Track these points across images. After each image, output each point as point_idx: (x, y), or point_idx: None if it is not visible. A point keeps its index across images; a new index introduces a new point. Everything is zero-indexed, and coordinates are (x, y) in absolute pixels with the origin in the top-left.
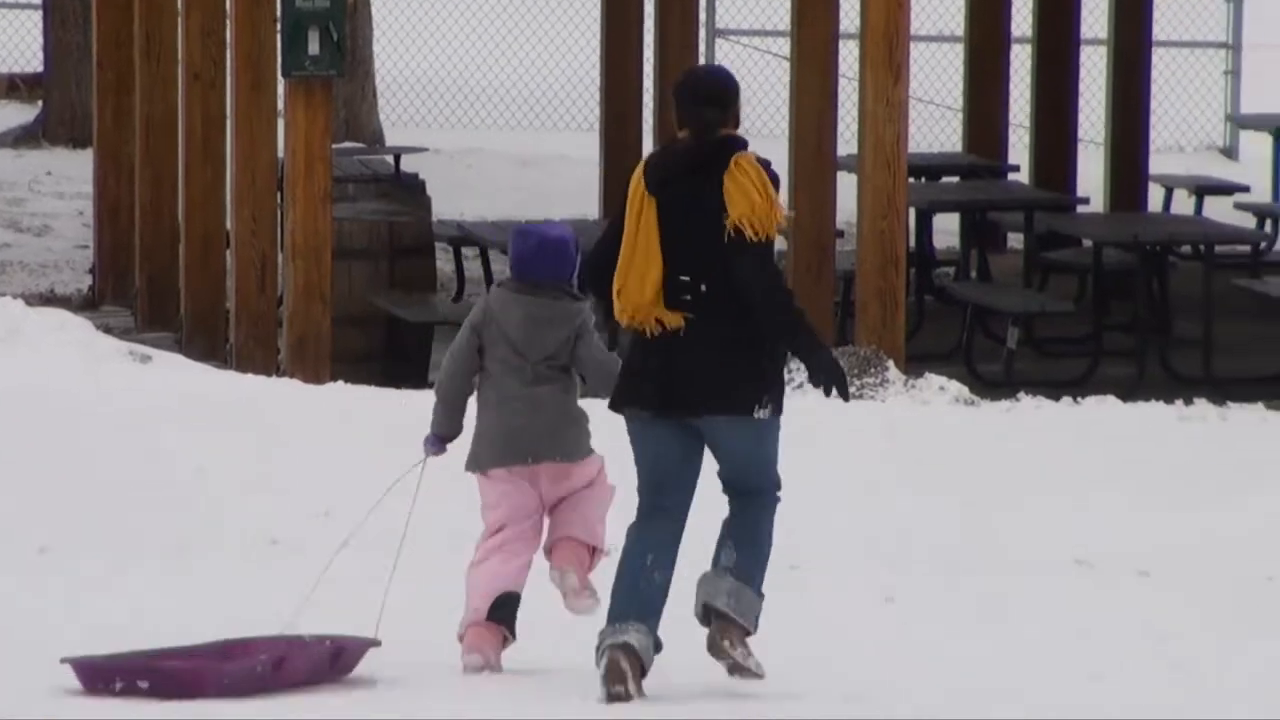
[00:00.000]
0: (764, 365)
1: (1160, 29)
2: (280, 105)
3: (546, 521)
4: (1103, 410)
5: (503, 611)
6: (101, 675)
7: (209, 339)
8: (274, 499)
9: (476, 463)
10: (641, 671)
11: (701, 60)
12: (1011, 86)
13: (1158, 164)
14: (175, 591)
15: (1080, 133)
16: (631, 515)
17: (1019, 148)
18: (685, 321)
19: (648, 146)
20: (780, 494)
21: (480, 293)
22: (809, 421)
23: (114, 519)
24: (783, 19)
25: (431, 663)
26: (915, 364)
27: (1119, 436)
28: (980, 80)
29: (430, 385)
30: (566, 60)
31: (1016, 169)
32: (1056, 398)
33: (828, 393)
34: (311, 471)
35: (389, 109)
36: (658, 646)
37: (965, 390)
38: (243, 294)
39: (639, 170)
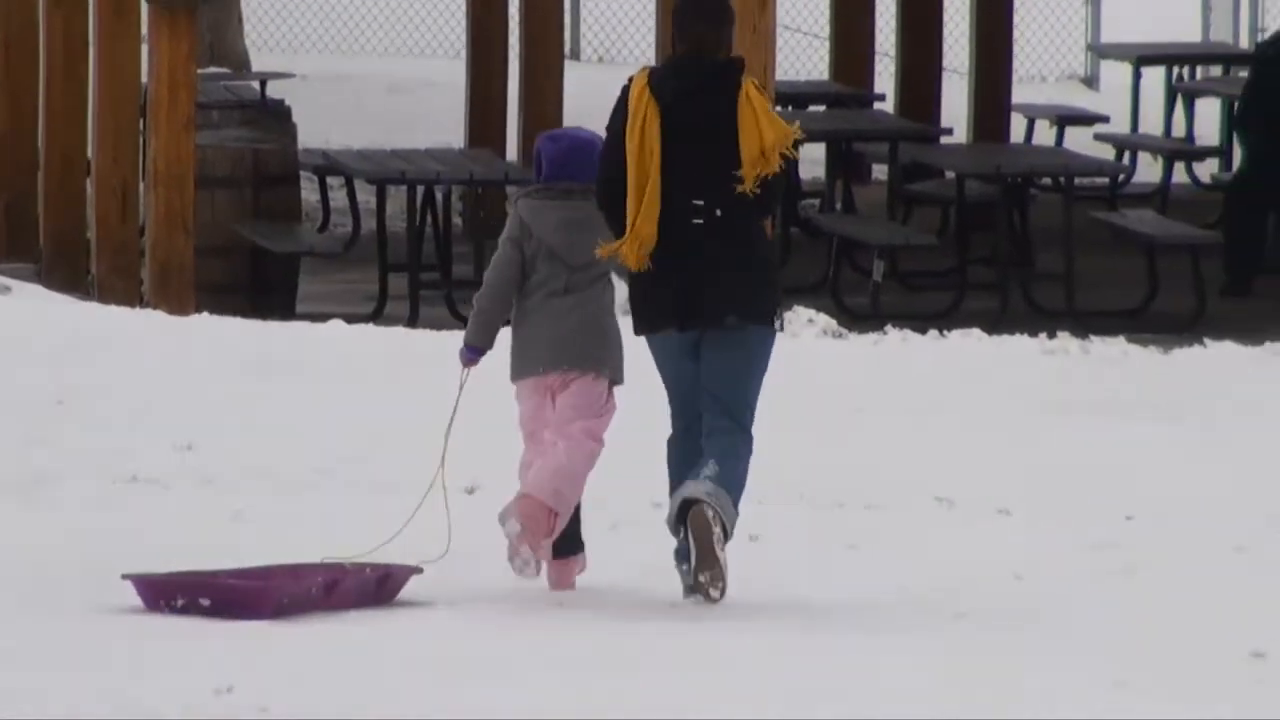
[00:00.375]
0: (775, 280)
1: None
2: (144, 31)
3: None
4: (967, 343)
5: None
6: (163, 592)
7: (70, 269)
8: (136, 433)
9: (512, 372)
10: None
11: None
12: (878, 15)
13: (1020, 94)
14: (33, 526)
15: (945, 62)
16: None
17: (885, 77)
18: (697, 240)
19: (514, 74)
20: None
21: (345, 223)
22: None
23: None
24: None
25: (481, 586)
26: (783, 296)
27: (983, 369)
28: (846, 8)
29: (296, 316)
30: None
31: (882, 98)
32: (923, 330)
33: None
34: (174, 405)
35: (255, 34)
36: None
37: (833, 323)
38: (104, 223)
39: (641, 83)
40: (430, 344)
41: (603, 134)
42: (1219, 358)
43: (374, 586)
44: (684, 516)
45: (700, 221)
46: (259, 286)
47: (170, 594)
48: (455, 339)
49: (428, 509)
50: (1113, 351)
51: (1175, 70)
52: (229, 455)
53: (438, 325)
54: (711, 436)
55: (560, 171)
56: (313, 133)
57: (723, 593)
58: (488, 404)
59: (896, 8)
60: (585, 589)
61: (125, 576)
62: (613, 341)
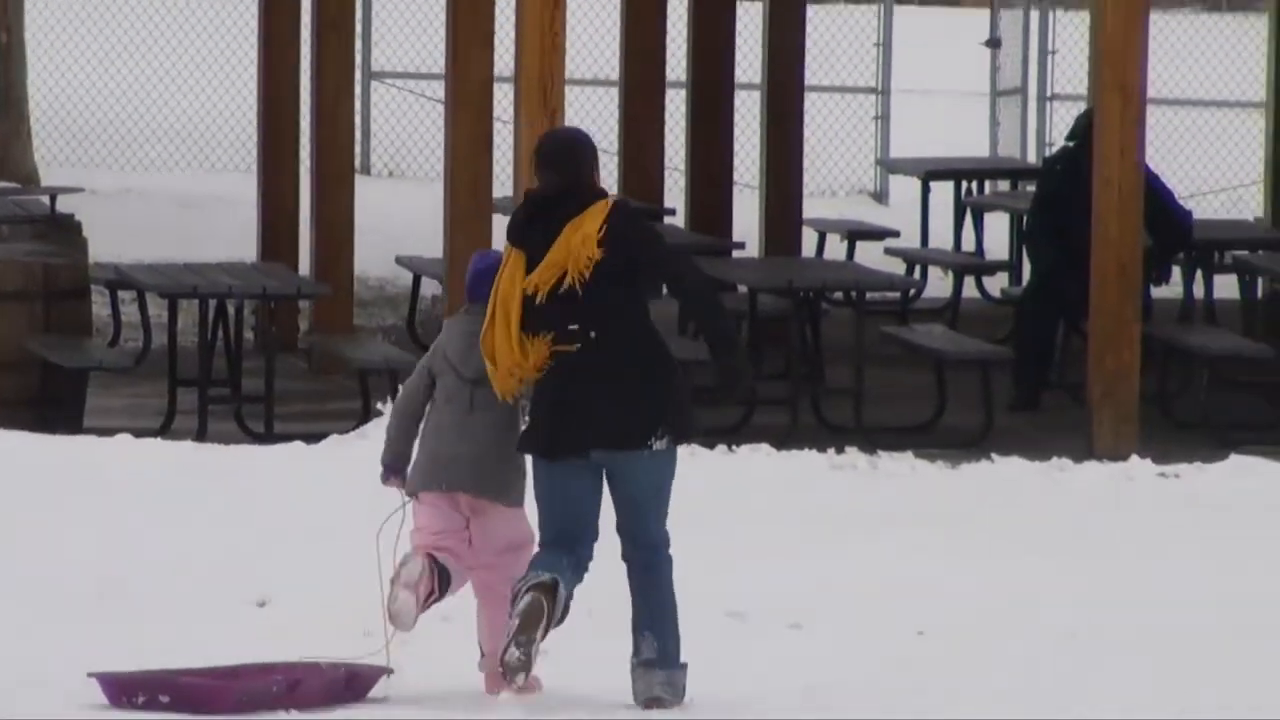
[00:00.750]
0: (660, 392)
1: (812, 74)
2: None
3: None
4: (756, 458)
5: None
6: (125, 689)
7: None
8: None
9: (409, 487)
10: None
11: (357, 102)
12: (667, 130)
13: (811, 208)
14: None
15: (735, 176)
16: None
17: (675, 191)
18: (572, 360)
19: (305, 189)
20: (671, 551)
21: (136, 337)
22: None
23: None
24: (438, 62)
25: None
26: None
27: (773, 484)
28: (635, 123)
29: (84, 431)
30: (224, 101)
31: (673, 212)
32: (711, 445)
33: (726, 389)
34: None
35: (44, 148)
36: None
37: None
38: None
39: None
40: (217, 459)
41: None
42: (1006, 473)
43: (342, 686)
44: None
45: (578, 345)
46: (47, 401)
47: (133, 691)
48: (244, 452)
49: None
50: (901, 467)
51: (964, 185)
52: (15, 570)
53: (226, 440)
54: (637, 592)
55: (475, 288)
56: (104, 247)
57: None
58: (280, 514)
59: (686, 121)
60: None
61: (91, 674)
62: (516, 462)
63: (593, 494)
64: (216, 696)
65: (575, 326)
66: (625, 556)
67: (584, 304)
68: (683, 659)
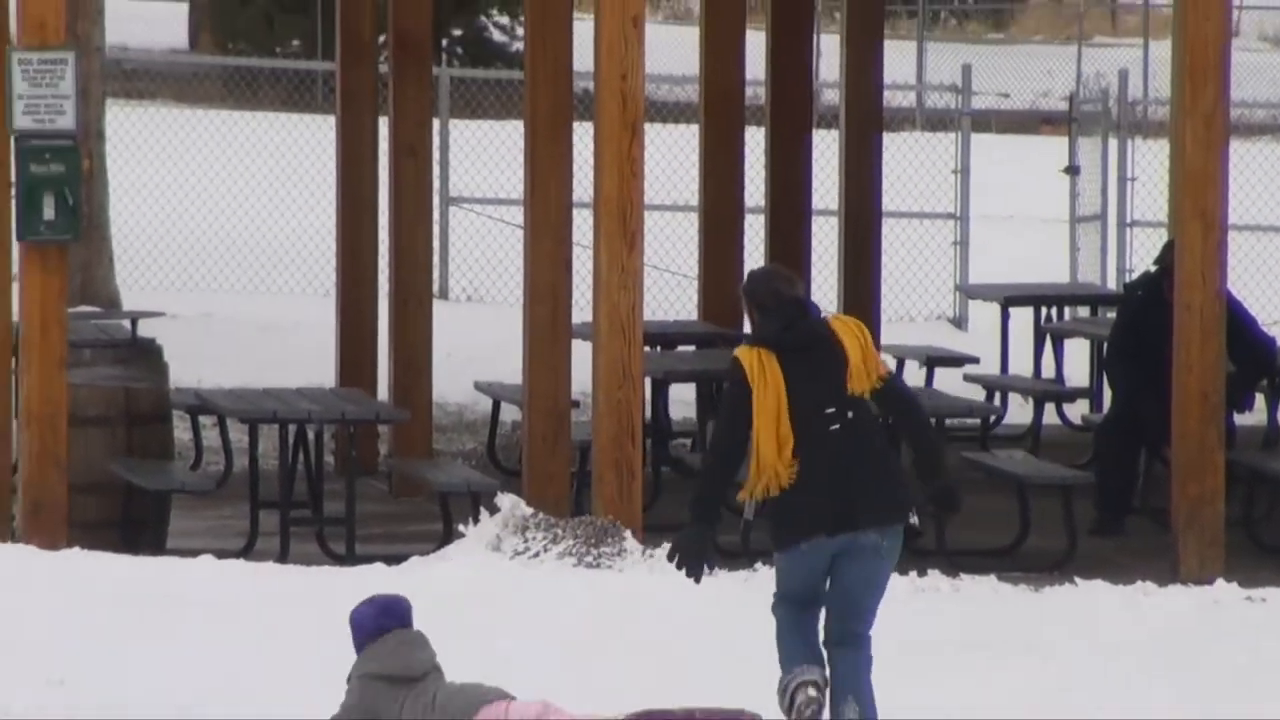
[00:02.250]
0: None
1: (889, 200)
2: (15, 269)
3: None
4: None
5: None
6: None
7: None
8: (8, 668)
9: None
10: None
11: (435, 227)
12: (746, 255)
13: (889, 334)
14: None
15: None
16: None
17: None
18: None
19: (383, 312)
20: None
21: (218, 460)
22: (554, 588)
23: None
24: (516, 187)
25: None
26: (653, 534)
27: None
28: (715, 248)
29: (167, 552)
30: (302, 226)
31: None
32: None
33: (946, 509)
34: (46, 640)
35: (125, 273)
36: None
37: None
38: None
39: (748, 356)
40: (300, 580)
41: None
42: (1090, 596)
43: None
44: None
45: (836, 427)
46: (131, 523)
47: None
48: (326, 574)
49: None
50: (983, 590)
51: (1043, 311)
52: (103, 691)
53: (308, 561)
54: (843, 678)
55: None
56: (183, 371)
57: None
58: None
59: (765, 247)
60: None
61: None
62: None
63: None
64: None
65: (833, 410)
66: (833, 642)
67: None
68: None
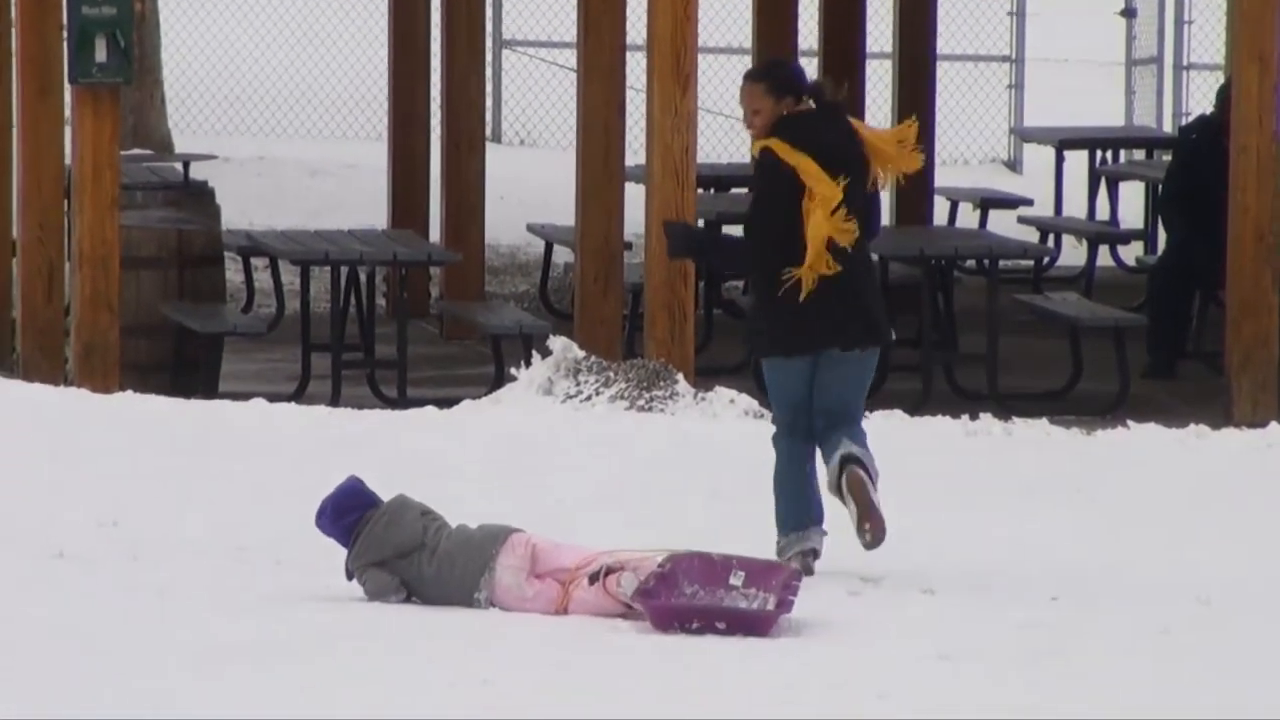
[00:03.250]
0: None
1: (944, 42)
2: (68, 112)
3: None
4: (890, 424)
5: None
6: (678, 616)
7: None
8: (61, 510)
9: None
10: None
11: (489, 71)
12: None
13: (943, 177)
14: None
15: None
16: None
17: None
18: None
19: (435, 156)
20: None
21: (269, 303)
22: (606, 432)
23: None
24: (570, 30)
25: None
26: (705, 377)
27: (907, 451)
28: None
29: (219, 395)
30: (354, 69)
31: None
32: None
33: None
34: (99, 482)
35: (177, 116)
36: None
37: (754, 403)
38: (29, 303)
39: (779, 146)
40: (352, 423)
41: None
42: (1142, 440)
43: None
44: (842, 473)
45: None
46: (183, 366)
47: (686, 618)
48: (377, 418)
49: None
50: (1035, 434)
51: (1098, 154)
52: (154, 531)
53: (360, 404)
54: (838, 428)
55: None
56: (236, 214)
57: (882, 537)
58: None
59: None
60: None
61: (635, 597)
62: None
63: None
64: (764, 623)
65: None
66: (830, 427)
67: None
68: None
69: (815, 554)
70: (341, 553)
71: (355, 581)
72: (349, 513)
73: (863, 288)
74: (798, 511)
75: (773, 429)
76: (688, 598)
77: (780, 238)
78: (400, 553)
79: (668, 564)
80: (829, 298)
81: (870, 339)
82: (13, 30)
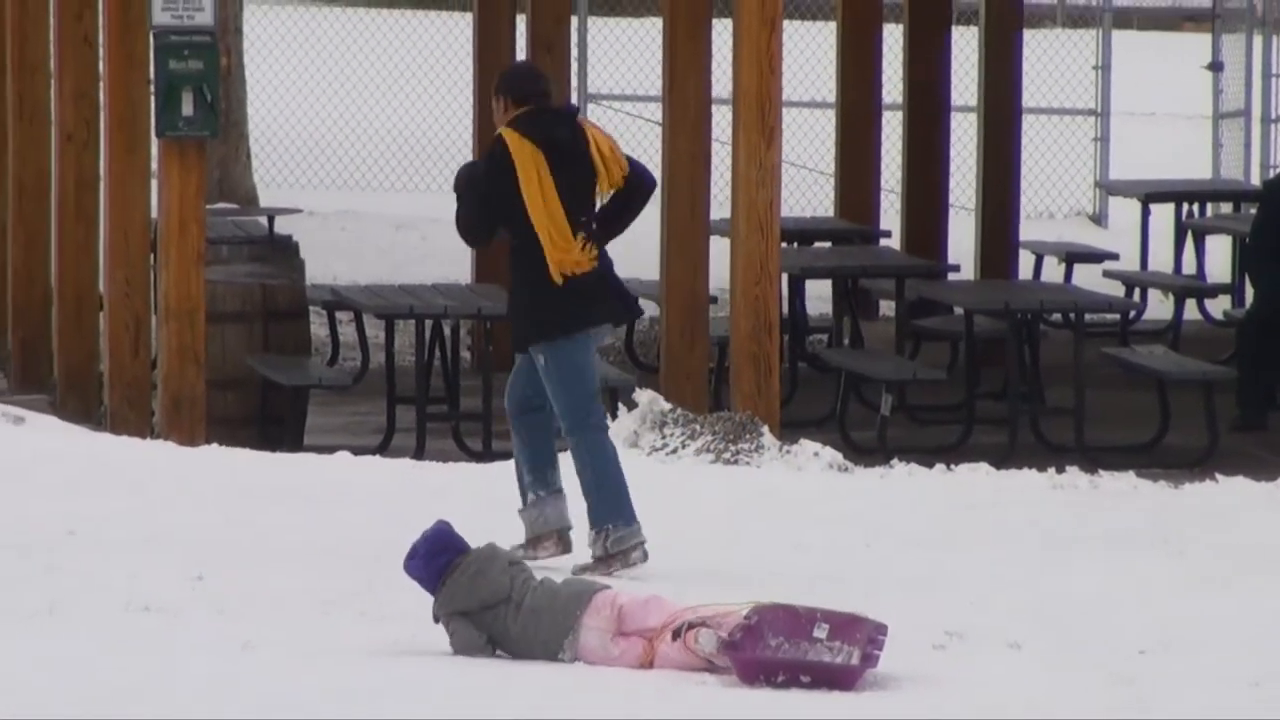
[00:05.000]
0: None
1: (1030, 96)
2: (154, 166)
3: None
4: (975, 477)
5: None
6: (763, 669)
7: (83, 401)
8: (147, 563)
9: None
10: None
11: None
12: (883, 152)
13: (1028, 231)
14: (45, 656)
15: (951, 199)
16: None
17: (890, 213)
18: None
19: None
20: None
21: (354, 356)
22: (691, 485)
23: None
24: (655, 84)
25: None
26: (790, 430)
27: (992, 504)
28: (852, 145)
29: (304, 448)
30: (439, 122)
31: (888, 234)
32: (930, 465)
33: None
34: (185, 535)
35: (262, 170)
36: None
37: (839, 456)
38: (116, 356)
39: (514, 137)
40: (436, 476)
41: None
42: (1230, 493)
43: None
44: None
45: (584, 235)
46: (268, 419)
47: (772, 671)
48: (462, 470)
49: None
50: (1122, 486)
51: (1184, 207)
52: (239, 585)
53: (444, 457)
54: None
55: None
56: (320, 268)
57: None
58: (499, 530)
59: (902, 144)
60: None
61: (723, 647)
62: None
63: None
64: (849, 677)
65: (585, 219)
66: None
67: (588, 199)
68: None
69: (645, 552)
70: (428, 601)
71: (441, 626)
72: (439, 555)
73: (605, 270)
74: (629, 503)
75: (584, 426)
76: (772, 650)
77: (495, 218)
78: (486, 605)
79: (753, 616)
80: (592, 276)
81: (633, 312)
82: (100, 85)
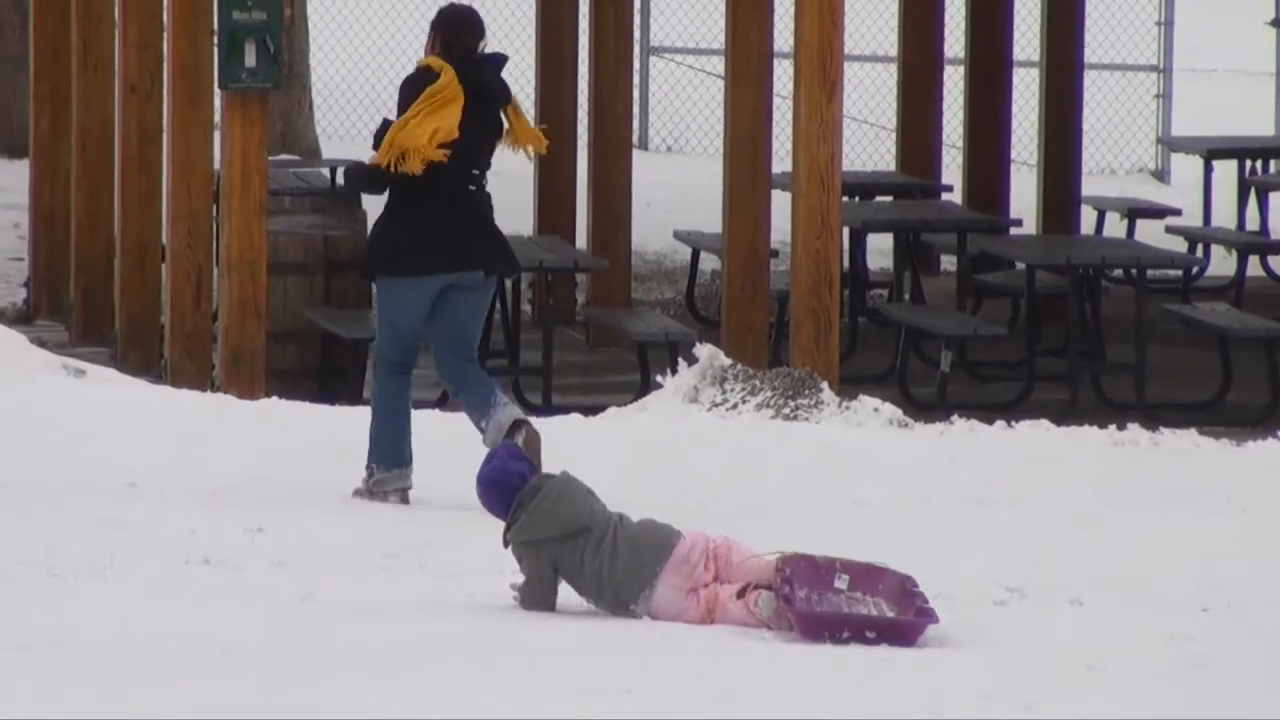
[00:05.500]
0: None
1: (1092, 51)
2: (216, 118)
3: None
4: (1036, 434)
5: None
6: (827, 625)
7: (144, 353)
8: (207, 516)
9: None
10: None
11: (636, 78)
12: (945, 107)
13: (1090, 186)
14: (107, 606)
15: (1013, 154)
16: None
17: (952, 168)
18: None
19: (582, 162)
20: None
21: None
22: (750, 440)
23: (45, 533)
24: (717, 37)
25: None
26: (849, 386)
27: (1052, 460)
28: (913, 100)
29: (364, 401)
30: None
31: (950, 189)
32: (990, 421)
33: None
34: (245, 488)
35: (325, 122)
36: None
37: (899, 413)
38: (177, 308)
39: (448, 70)
40: None
41: None
42: None
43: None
44: (517, 429)
45: (472, 188)
46: (329, 372)
47: (836, 627)
48: None
49: None
50: (1183, 444)
51: (1247, 164)
52: (299, 538)
53: None
54: (468, 365)
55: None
56: None
57: None
58: None
59: (964, 99)
60: None
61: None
62: None
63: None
64: (912, 631)
65: (477, 172)
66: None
67: (487, 155)
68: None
69: (407, 494)
70: (490, 556)
71: (510, 553)
72: (517, 477)
73: (490, 218)
74: (400, 447)
75: (377, 365)
76: (805, 602)
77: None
78: (567, 531)
79: (784, 567)
80: (462, 220)
81: (510, 266)
82: (164, 36)
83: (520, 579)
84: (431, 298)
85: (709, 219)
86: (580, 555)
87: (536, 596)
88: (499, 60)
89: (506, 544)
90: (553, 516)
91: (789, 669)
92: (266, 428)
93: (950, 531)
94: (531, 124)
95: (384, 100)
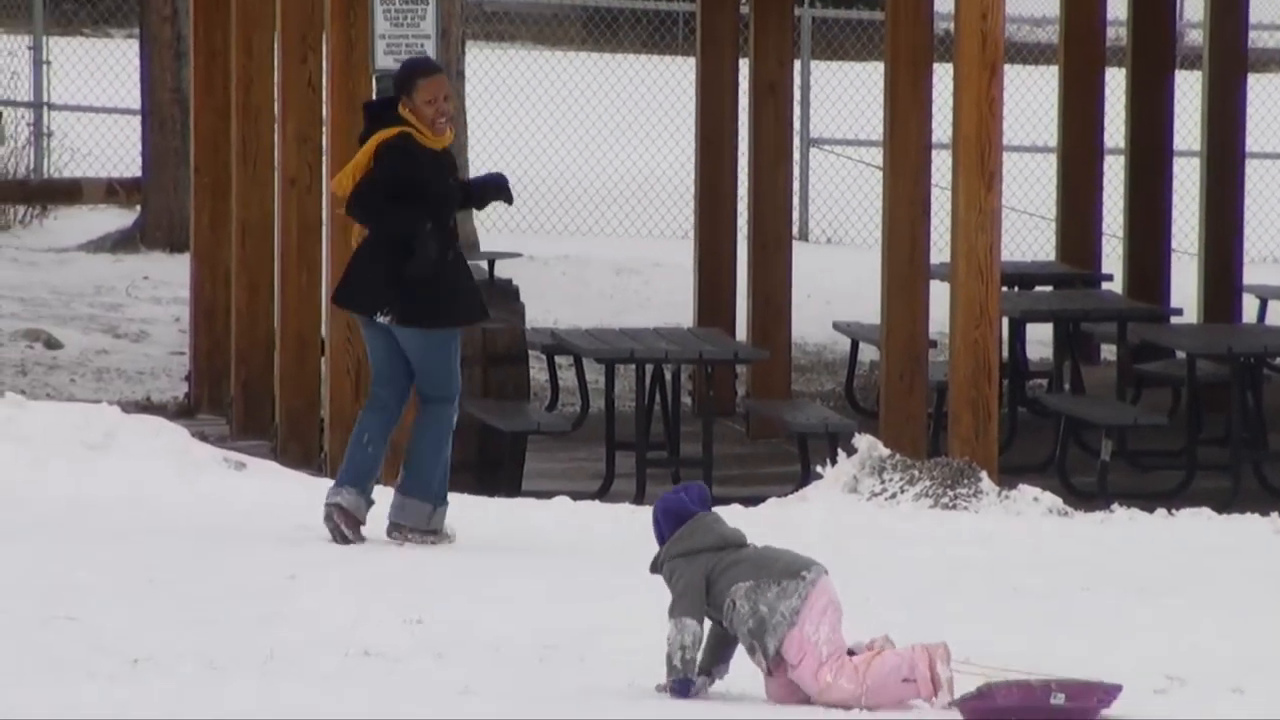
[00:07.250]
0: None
1: (1253, 140)
2: None
3: None
4: (1197, 523)
5: None
6: (992, 715)
7: (303, 446)
8: (366, 608)
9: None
10: (356, 521)
11: (796, 170)
12: (1105, 196)
13: (1251, 274)
14: (270, 702)
15: (1174, 243)
16: None
17: (1112, 258)
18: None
19: (742, 254)
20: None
21: (574, 402)
22: (909, 530)
23: (208, 628)
24: (876, 128)
25: None
26: (1008, 475)
27: (1214, 549)
28: (1073, 190)
29: (523, 493)
30: (661, 167)
31: (1110, 279)
32: (1150, 510)
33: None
34: (403, 579)
35: (483, 215)
36: (369, 503)
37: (1059, 501)
38: (337, 401)
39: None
40: None
41: None
42: None
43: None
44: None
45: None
46: (487, 464)
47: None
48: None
49: None
50: None
51: None
52: (458, 629)
53: None
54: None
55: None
56: (540, 313)
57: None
58: None
59: (1124, 188)
60: None
61: (954, 702)
62: None
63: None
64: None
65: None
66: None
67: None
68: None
69: (340, 508)
70: (648, 647)
71: (661, 577)
72: (694, 505)
73: (364, 258)
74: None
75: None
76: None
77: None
78: (724, 543)
79: (987, 690)
80: (452, 275)
81: (369, 308)
82: (323, 129)
83: (664, 679)
84: (365, 332)
85: (868, 310)
86: (725, 567)
87: (685, 606)
88: (374, 104)
89: (658, 566)
90: (710, 530)
91: None
92: None
93: (1110, 620)
94: (351, 164)
95: (542, 193)
